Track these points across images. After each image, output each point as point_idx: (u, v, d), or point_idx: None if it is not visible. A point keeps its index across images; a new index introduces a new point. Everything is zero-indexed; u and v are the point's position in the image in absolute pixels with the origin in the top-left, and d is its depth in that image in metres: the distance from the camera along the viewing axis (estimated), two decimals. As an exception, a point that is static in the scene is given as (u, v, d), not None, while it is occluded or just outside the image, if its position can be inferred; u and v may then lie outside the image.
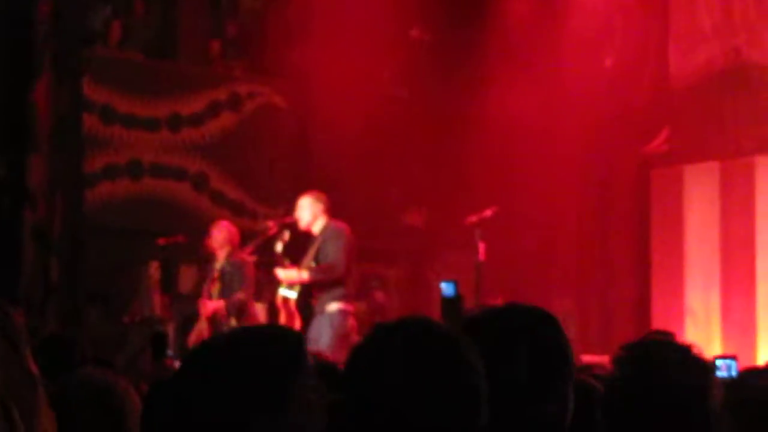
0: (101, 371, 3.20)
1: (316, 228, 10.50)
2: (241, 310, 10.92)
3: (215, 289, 11.09)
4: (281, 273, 10.38)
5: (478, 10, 13.90)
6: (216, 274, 11.09)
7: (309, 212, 10.68)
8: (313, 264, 10.33)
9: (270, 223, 11.51)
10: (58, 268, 10.59)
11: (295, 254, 10.50)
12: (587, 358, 9.47)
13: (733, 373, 6.20)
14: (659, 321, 12.45)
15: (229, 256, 11.09)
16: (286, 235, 10.67)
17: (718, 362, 6.28)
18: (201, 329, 11.03)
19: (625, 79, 13.61)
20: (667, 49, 13.39)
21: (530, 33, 13.56)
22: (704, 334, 11.99)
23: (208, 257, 11.32)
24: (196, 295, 11.59)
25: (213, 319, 10.91)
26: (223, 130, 13.88)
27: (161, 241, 11.71)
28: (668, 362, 2.94)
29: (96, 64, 12.76)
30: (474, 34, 13.73)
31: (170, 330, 11.97)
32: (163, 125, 13.51)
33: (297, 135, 14.27)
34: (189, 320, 11.58)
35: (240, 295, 10.94)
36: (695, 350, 3.00)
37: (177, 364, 8.84)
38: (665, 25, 13.41)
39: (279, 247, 10.52)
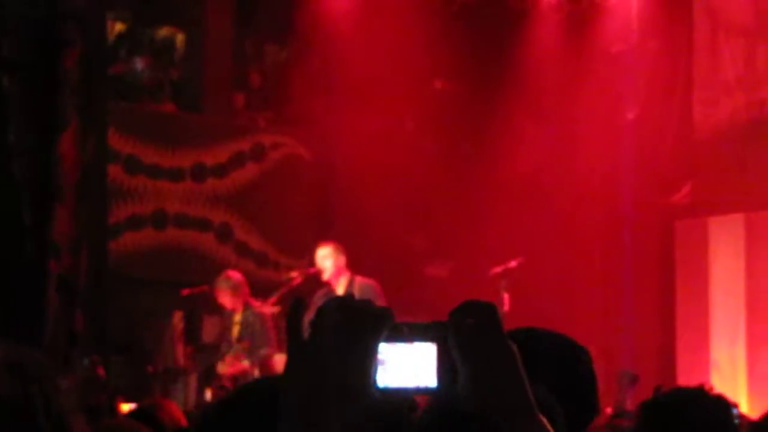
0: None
1: (341, 281, 10.46)
2: (264, 366, 10.89)
3: (236, 342, 11.06)
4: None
5: (502, 61, 13.92)
6: (237, 327, 11.05)
7: (332, 262, 10.67)
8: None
9: (294, 274, 11.51)
10: (82, 318, 10.60)
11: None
12: (610, 411, 9.42)
13: (736, 422, 6.16)
14: (684, 374, 12.37)
15: (248, 307, 11.03)
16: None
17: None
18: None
19: (649, 131, 13.61)
20: (690, 101, 13.39)
21: (554, 84, 13.58)
22: (730, 388, 11.89)
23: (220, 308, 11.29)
24: (218, 346, 11.55)
25: (235, 378, 10.87)
26: (247, 180, 13.91)
27: (185, 292, 11.70)
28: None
29: (121, 114, 12.83)
30: (498, 85, 13.75)
31: (192, 380, 11.95)
32: (188, 175, 13.54)
33: (320, 186, 14.29)
34: (212, 370, 11.57)
35: (265, 351, 10.92)
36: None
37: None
38: (689, 77, 13.41)
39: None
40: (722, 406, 3.20)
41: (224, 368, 11.01)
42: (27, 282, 10.39)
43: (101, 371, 7.25)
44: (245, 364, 10.94)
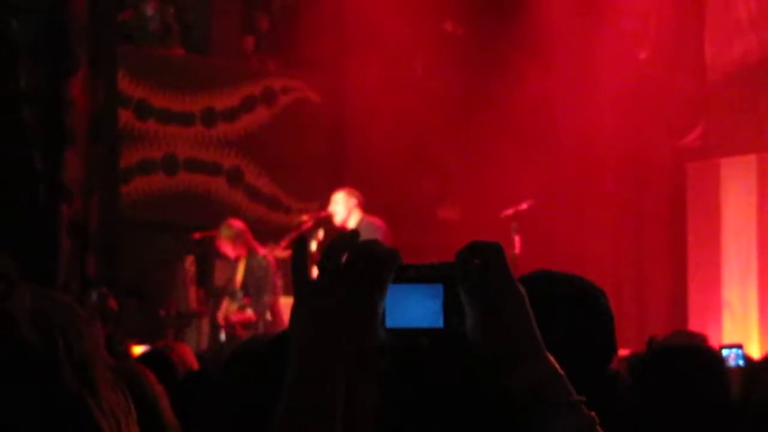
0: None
1: (351, 223, 10.50)
2: (271, 312, 10.93)
3: (239, 290, 11.10)
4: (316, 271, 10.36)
5: (512, 3, 13.85)
6: (240, 273, 11.09)
7: (343, 207, 10.70)
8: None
9: (305, 218, 11.53)
10: (94, 262, 10.64)
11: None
12: (623, 353, 9.44)
13: (740, 362, 6.19)
14: (696, 315, 12.39)
15: (252, 255, 11.04)
16: (321, 233, 10.66)
17: (725, 352, 6.25)
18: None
19: (661, 72, 13.54)
20: (702, 42, 13.31)
21: (565, 25, 13.50)
22: (742, 328, 11.92)
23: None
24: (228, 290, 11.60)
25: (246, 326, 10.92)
26: (258, 124, 13.90)
27: (196, 236, 11.74)
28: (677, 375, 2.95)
29: (130, 59, 12.81)
30: (508, 27, 13.68)
31: (204, 324, 12.00)
32: (198, 120, 13.54)
33: (331, 129, 14.28)
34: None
35: (268, 298, 10.95)
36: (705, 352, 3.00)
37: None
38: (701, 18, 13.32)
39: (314, 245, 10.51)
40: (713, 357, 3.21)
41: (228, 316, 11.06)
42: (39, 226, 10.42)
43: (113, 303, 7.25)
44: (249, 312, 10.99)
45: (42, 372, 1.49)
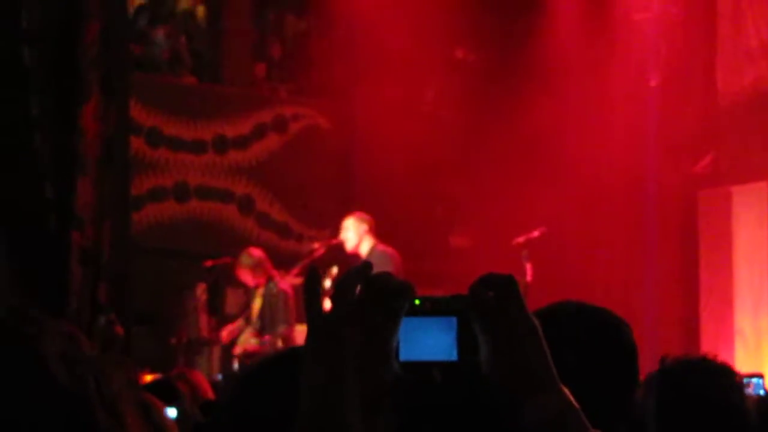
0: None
1: (363, 250, 10.48)
2: (286, 341, 10.92)
3: (255, 319, 11.10)
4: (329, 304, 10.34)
5: (523, 30, 13.86)
6: (259, 301, 11.08)
7: (354, 233, 10.68)
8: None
9: (316, 245, 11.52)
10: (105, 290, 10.63)
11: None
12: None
13: (761, 392, 6.17)
14: (708, 344, 12.33)
15: (271, 282, 11.05)
16: (335, 269, 10.62)
17: (745, 380, 6.24)
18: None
19: (672, 99, 13.53)
20: (714, 69, 13.31)
21: (576, 53, 13.51)
22: (754, 357, 11.87)
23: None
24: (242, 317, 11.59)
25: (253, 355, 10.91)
26: (269, 152, 13.91)
27: (208, 264, 11.73)
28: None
29: (142, 86, 12.84)
30: (519, 55, 13.70)
31: (216, 352, 11.99)
32: (209, 148, 13.56)
33: (342, 156, 14.28)
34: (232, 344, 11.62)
35: (284, 328, 10.95)
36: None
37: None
38: (712, 45, 13.33)
39: (328, 282, 10.46)
40: (726, 373, 3.19)
41: (246, 348, 11.06)
42: (50, 254, 10.42)
43: (119, 330, 7.24)
44: (254, 343, 10.98)
45: (73, 409, 1.52)
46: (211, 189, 13.48)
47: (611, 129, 13.50)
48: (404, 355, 1.67)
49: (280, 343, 10.90)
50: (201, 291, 11.89)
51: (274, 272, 11.12)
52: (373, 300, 1.64)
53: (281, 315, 10.97)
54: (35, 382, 1.54)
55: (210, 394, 5.06)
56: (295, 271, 11.38)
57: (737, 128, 12.96)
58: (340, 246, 10.79)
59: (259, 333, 11.07)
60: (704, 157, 13.36)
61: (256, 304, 11.09)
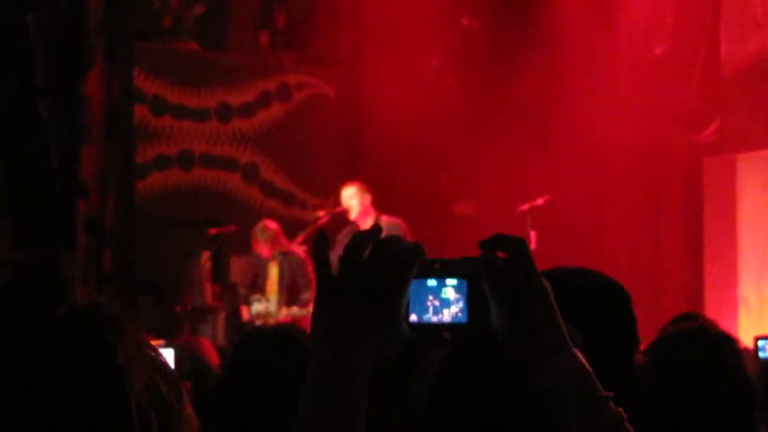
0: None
1: (368, 219, 10.48)
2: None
3: (272, 290, 11.13)
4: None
5: (528, -1, 13.84)
6: (276, 270, 11.14)
7: (358, 201, 10.68)
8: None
9: (321, 213, 11.53)
10: (110, 258, 10.65)
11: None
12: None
13: None
14: (712, 311, 12.34)
15: (284, 252, 11.10)
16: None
17: (761, 343, 6.21)
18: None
19: (676, 67, 13.50)
20: (718, 37, 13.27)
21: (580, 21, 13.48)
22: (757, 323, 11.89)
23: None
24: (247, 286, 11.62)
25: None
26: (273, 120, 13.91)
27: (212, 231, 11.76)
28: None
29: (146, 55, 12.82)
30: (524, 23, 13.66)
31: (220, 319, 12.02)
32: (213, 116, 13.55)
33: (347, 125, 14.28)
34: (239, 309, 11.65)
35: (307, 295, 10.99)
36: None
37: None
38: (716, 13, 13.28)
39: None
40: (723, 340, 3.20)
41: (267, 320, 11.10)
42: (55, 222, 10.44)
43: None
44: (290, 314, 11.03)
45: (94, 373, 1.40)
46: (215, 157, 13.48)
47: (616, 97, 13.47)
48: (414, 318, 1.66)
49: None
50: (205, 259, 11.91)
51: (287, 242, 11.22)
52: (382, 260, 1.64)
53: (304, 281, 11.06)
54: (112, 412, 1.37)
55: (216, 361, 5.08)
56: (300, 239, 11.40)
57: (742, 96, 12.94)
58: (344, 214, 10.80)
59: (286, 304, 11.13)
60: (709, 125, 13.34)
61: (273, 274, 11.15)
